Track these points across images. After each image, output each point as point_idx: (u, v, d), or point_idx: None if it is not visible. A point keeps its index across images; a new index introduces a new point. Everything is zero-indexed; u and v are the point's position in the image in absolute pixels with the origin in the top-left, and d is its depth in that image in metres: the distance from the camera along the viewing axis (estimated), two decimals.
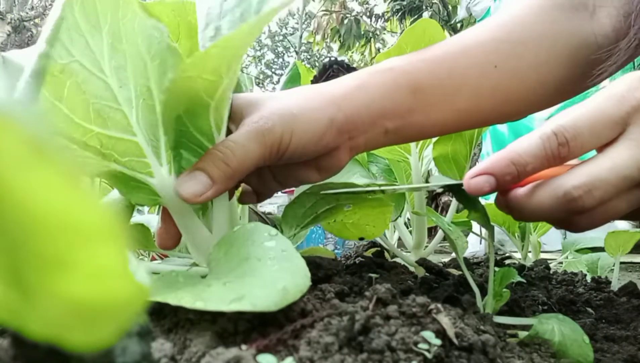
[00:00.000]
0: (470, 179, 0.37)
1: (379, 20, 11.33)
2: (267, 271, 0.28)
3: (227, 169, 0.37)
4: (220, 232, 0.40)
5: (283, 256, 0.29)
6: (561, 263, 1.04)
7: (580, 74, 0.53)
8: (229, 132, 0.42)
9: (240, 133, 0.39)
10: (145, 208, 0.81)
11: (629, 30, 0.51)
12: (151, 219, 0.64)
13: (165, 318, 0.30)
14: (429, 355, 0.24)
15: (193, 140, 0.39)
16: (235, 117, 0.42)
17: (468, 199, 0.42)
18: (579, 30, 0.52)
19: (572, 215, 0.35)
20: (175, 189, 0.37)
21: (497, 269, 0.43)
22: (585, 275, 0.79)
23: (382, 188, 0.49)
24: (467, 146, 0.70)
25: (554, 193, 0.34)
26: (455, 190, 0.43)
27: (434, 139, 0.70)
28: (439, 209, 3.08)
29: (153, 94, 0.37)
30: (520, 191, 0.37)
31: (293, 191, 0.58)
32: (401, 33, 0.66)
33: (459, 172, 0.71)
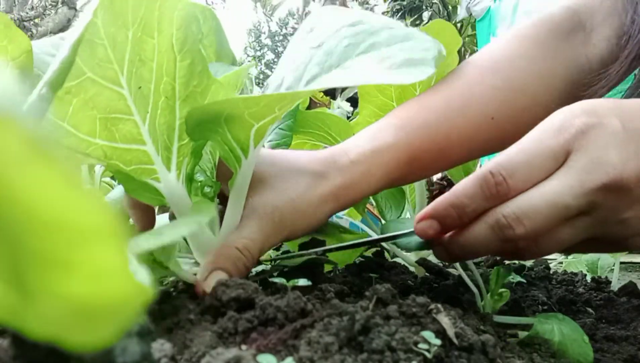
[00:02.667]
0: (416, 224, 0.38)
1: None
2: None
3: (245, 270, 0.38)
4: (223, 235, 0.40)
5: None
6: (561, 263, 1.04)
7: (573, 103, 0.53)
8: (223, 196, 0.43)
9: (257, 228, 0.39)
10: None
11: (622, 50, 0.50)
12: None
13: (165, 318, 0.30)
14: (429, 355, 0.24)
15: (227, 142, 0.38)
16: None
17: None
18: (576, 60, 0.52)
19: (508, 244, 0.34)
20: (197, 283, 0.37)
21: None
22: (585, 275, 0.79)
23: (351, 242, 0.49)
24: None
25: (486, 222, 0.34)
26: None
27: None
28: None
29: (176, 94, 0.36)
30: (453, 232, 0.37)
31: None
32: None
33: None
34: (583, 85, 0.51)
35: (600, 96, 0.51)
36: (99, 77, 0.34)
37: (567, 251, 0.39)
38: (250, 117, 0.35)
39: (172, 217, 0.42)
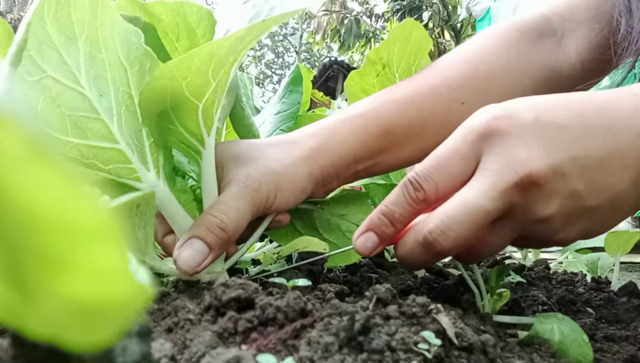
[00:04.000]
0: (356, 241, 0.38)
1: (379, 20, 11.33)
2: None
3: (223, 234, 0.38)
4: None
5: None
6: (561, 263, 1.04)
7: None
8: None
9: (230, 195, 0.40)
10: None
11: (594, 59, 0.53)
12: None
13: (165, 318, 0.30)
14: (429, 355, 0.24)
15: (182, 138, 0.40)
16: (217, 169, 0.43)
17: None
18: (544, 61, 0.54)
19: (441, 256, 0.35)
20: (173, 260, 0.38)
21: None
22: (585, 275, 0.78)
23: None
24: None
25: (416, 240, 0.35)
26: None
27: None
28: None
29: (135, 100, 0.38)
30: (398, 242, 0.38)
31: None
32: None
33: None
34: (561, 88, 0.53)
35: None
36: (60, 77, 0.35)
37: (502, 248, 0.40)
38: (191, 95, 0.36)
39: (160, 216, 0.43)
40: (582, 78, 0.55)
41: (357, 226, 0.56)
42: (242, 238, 0.46)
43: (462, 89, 0.51)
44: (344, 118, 0.49)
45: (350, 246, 0.40)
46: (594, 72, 0.56)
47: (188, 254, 0.37)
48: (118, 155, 0.38)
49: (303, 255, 0.53)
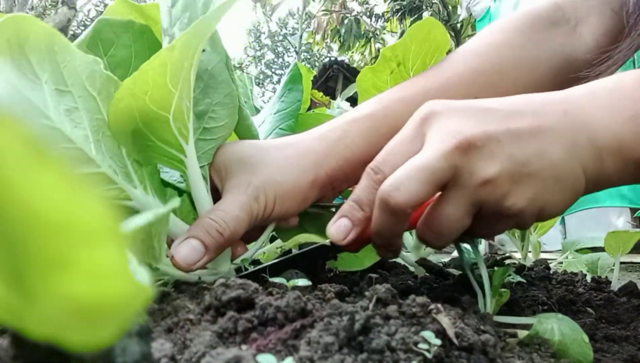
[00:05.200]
0: (330, 229, 0.40)
1: (379, 20, 11.33)
2: None
3: (220, 238, 0.39)
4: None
5: None
6: (561, 263, 1.04)
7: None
8: (212, 183, 0.44)
9: (230, 201, 0.41)
10: None
11: (613, 44, 0.52)
12: None
13: (165, 318, 0.30)
14: (429, 355, 0.24)
15: (162, 152, 0.40)
16: (220, 172, 0.44)
17: None
18: (560, 49, 0.53)
19: (398, 218, 0.37)
20: (170, 256, 0.38)
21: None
22: (585, 275, 0.78)
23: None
24: None
25: (376, 205, 0.38)
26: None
27: None
28: None
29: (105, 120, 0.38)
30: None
31: None
32: (401, 33, 0.68)
33: None
34: (575, 78, 0.52)
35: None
36: (30, 116, 0.35)
37: (473, 235, 0.41)
38: (157, 108, 0.37)
39: None
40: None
41: None
42: (251, 238, 0.47)
43: (474, 84, 0.51)
44: (352, 119, 0.48)
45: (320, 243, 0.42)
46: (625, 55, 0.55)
47: (185, 251, 0.38)
48: (103, 178, 0.38)
49: (302, 246, 0.53)
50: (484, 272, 0.41)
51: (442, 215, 0.37)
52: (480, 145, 0.35)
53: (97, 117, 0.37)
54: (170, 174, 0.46)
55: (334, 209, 0.52)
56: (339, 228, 0.40)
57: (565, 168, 0.35)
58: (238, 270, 0.46)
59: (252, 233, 0.46)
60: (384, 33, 11.40)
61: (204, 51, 0.43)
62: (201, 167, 0.43)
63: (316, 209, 0.52)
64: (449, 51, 0.67)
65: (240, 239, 0.47)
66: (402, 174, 0.36)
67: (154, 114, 0.37)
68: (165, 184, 0.45)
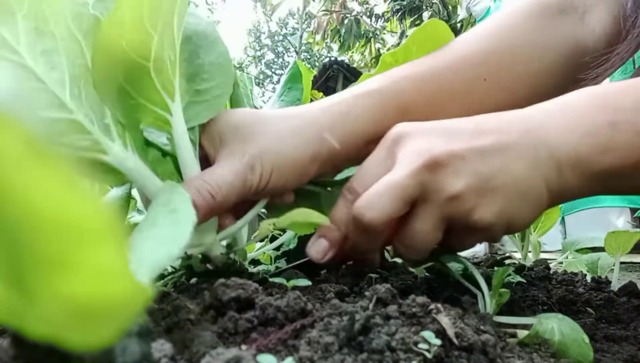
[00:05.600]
0: (310, 249, 0.42)
1: (379, 20, 11.32)
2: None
3: (211, 201, 0.38)
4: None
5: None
6: (561, 263, 1.04)
7: (572, 80, 0.53)
8: (203, 152, 0.42)
9: (224, 167, 0.39)
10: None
11: (620, 33, 0.51)
12: None
13: (165, 318, 0.30)
14: (429, 355, 0.24)
15: (147, 112, 0.38)
16: (214, 139, 0.42)
17: None
18: (570, 35, 0.53)
19: (372, 236, 0.39)
20: None
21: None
22: (585, 275, 0.78)
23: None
24: None
25: (351, 224, 0.39)
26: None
27: None
28: None
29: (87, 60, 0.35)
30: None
31: None
32: (401, 33, 0.67)
33: None
34: (585, 65, 0.52)
35: (605, 78, 0.52)
36: None
37: (447, 248, 0.42)
38: (136, 55, 0.34)
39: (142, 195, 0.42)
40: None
41: None
42: (239, 213, 0.44)
43: (483, 64, 0.51)
44: (360, 93, 0.47)
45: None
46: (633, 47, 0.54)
47: None
48: (76, 126, 0.35)
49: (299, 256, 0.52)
50: (476, 274, 0.41)
51: (413, 229, 0.38)
52: (446, 163, 0.37)
53: (79, 62, 0.35)
54: (156, 135, 0.41)
55: (330, 189, 0.51)
56: (317, 247, 0.42)
57: (528, 182, 0.37)
58: (229, 246, 0.43)
59: (240, 207, 0.43)
60: (384, 33, 11.39)
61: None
62: (190, 129, 0.40)
63: (312, 187, 0.50)
64: None
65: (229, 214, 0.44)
66: (373, 193, 0.37)
67: (133, 63, 0.34)
68: (148, 143, 0.40)
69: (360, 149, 0.47)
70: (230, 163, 0.40)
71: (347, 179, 0.51)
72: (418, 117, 0.47)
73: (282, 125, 0.43)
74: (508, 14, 0.54)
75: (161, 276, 0.46)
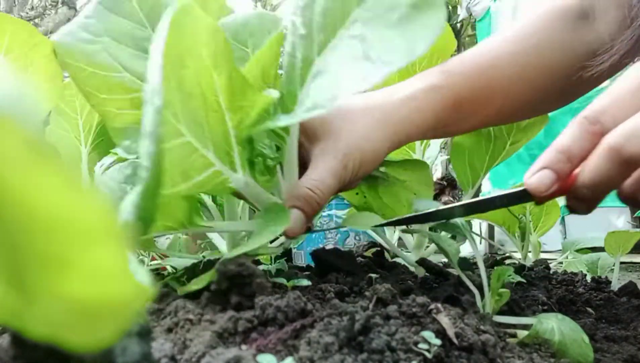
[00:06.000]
0: (529, 180, 0.37)
1: None
2: None
3: (317, 207, 0.41)
4: (285, 190, 0.43)
5: None
6: (561, 263, 1.04)
7: (581, 79, 0.55)
8: (300, 146, 0.43)
9: (323, 168, 0.42)
10: None
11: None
12: None
13: (165, 318, 0.30)
14: (429, 355, 0.24)
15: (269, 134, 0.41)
16: (308, 133, 0.44)
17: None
18: (585, 39, 0.56)
19: (627, 167, 0.34)
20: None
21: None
22: (585, 275, 0.78)
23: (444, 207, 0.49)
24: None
25: (599, 156, 0.35)
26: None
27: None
28: None
29: (222, 106, 0.35)
30: (572, 178, 0.37)
31: None
32: None
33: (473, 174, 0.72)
34: (582, 66, 0.55)
35: (610, 75, 0.56)
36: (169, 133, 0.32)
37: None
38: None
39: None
40: (620, 58, 0.56)
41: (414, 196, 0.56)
42: None
43: (517, 65, 0.53)
44: (425, 88, 0.49)
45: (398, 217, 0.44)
46: (629, 52, 0.56)
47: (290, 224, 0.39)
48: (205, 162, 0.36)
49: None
50: (482, 271, 0.41)
51: None
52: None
53: (212, 98, 0.34)
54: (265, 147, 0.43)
55: (383, 169, 0.54)
56: (541, 179, 0.37)
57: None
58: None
59: None
60: None
61: None
62: None
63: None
64: (452, 53, 0.68)
65: None
66: (635, 126, 0.33)
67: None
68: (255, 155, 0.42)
69: (417, 138, 0.50)
70: (327, 162, 0.42)
71: (396, 161, 0.55)
72: (466, 111, 0.51)
73: (366, 119, 0.45)
74: (534, 19, 0.57)
75: (161, 276, 0.46)
